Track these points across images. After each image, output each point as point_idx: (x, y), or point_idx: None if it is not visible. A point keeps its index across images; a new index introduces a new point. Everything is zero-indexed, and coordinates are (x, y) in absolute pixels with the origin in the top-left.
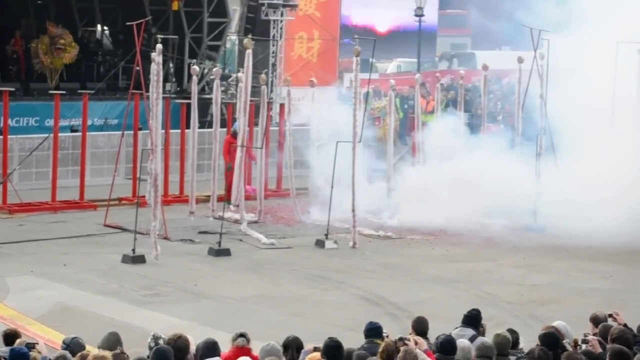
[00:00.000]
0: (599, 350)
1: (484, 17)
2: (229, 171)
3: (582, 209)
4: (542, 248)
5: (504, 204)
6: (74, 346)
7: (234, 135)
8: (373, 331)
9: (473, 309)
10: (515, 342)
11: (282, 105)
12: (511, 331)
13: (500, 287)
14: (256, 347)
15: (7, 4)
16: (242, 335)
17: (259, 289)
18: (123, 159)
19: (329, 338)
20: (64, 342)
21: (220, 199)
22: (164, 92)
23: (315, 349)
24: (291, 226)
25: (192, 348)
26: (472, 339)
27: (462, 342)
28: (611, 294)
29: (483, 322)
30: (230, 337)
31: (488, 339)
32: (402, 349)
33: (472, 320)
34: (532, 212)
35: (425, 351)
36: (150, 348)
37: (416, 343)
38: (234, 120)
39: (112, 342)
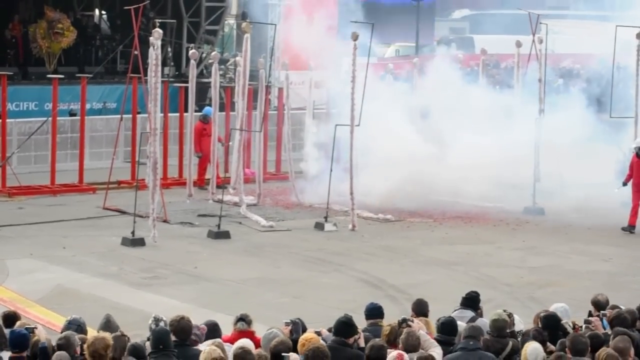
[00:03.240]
0: (602, 330)
1: None
2: (199, 159)
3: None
4: (541, 231)
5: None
6: (82, 325)
7: (204, 120)
8: (374, 311)
9: (472, 291)
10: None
11: (280, 89)
12: (507, 313)
13: (499, 269)
14: (257, 330)
15: None
16: (242, 319)
17: (258, 272)
18: (122, 143)
19: (344, 314)
20: (69, 322)
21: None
22: (162, 76)
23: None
24: (290, 209)
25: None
26: (471, 321)
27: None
28: (610, 277)
29: (482, 304)
30: (229, 319)
31: (487, 321)
32: (404, 330)
33: (471, 302)
34: (531, 195)
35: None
36: (151, 330)
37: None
38: (207, 104)
39: (107, 326)
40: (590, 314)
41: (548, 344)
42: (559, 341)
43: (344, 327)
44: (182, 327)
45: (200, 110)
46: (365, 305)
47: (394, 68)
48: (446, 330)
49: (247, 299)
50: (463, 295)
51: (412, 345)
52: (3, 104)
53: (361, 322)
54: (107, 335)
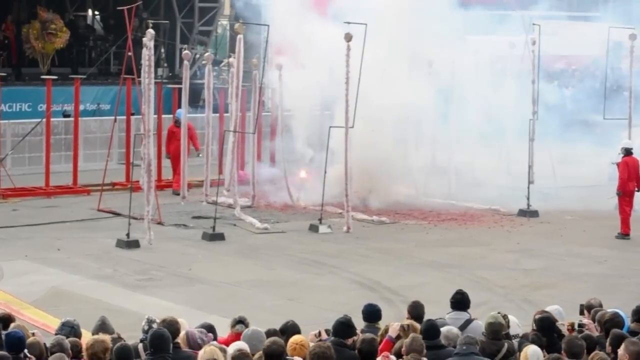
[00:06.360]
0: (596, 333)
1: None
2: (169, 160)
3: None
4: (536, 233)
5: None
6: (76, 328)
7: (177, 124)
8: (374, 314)
9: (457, 293)
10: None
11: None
12: (502, 315)
13: (494, 271)
14: None
15: None
16: (240, 321)
17: (253, 274)
18: (116, 144)
19: (344, 315)
20: (63, 324)
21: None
22: (155, 77)
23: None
24: (284, 211)
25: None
26: (466, 323)
27: (451, 330)
28: (604, 279)
29: (476, 307)
30: (224, 321)
31: (482, 323)
32: (410, 335)
33: (461, 303)
34: (526, 197)
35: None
36: (144, 331)
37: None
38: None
39: (102, 328)
40: (581, 310)
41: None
42: None
43: (343, 327)
44: (166, 328)
45: (195, 112)
46: (364, 306)
47: None
48: (429, 334)
49: (241, 301)
50: (451, 299)
51: (415, 351)
52: None
53: (358, 325)
54: (107, 338)
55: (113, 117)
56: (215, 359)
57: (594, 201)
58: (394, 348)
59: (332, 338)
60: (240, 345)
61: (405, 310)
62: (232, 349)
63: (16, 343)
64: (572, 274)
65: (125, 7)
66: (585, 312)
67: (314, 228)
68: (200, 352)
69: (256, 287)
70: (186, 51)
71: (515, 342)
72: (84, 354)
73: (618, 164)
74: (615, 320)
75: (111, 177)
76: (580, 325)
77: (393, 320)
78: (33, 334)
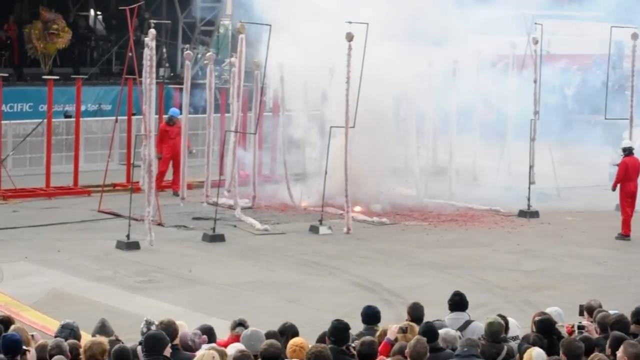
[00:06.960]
0: (596, 335)
1: None
2: (159, 160)
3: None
4: (536, 234)
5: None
6: (76, 330)
7: (169, 122)
8: (375, 316)
9: (455, 294)
10: (505, 328)
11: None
12: (501, 317)
13: (494, 273)
14: None
15: None
16: (240, 324)
17: (253, 275)
18: (117, 145)
19: (337, 320)
20: (62, 327)
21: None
22: (157, 77)
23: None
24: (285, 212)
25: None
26: (466, 324)
27: (448, 332)
28: (605, 280)
29: (477, 308)
30: (224, 323)
31: (481, 325)
32: (415, 338)
33: (460, 304)
34: (526, 198)
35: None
36: (143, 333)
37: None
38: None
39: (102, 330)
40: (581, 311)
41: None
42: None
43: (338, 332)
44: (163, 329)
45: (196, 112)
46: (363, 308)
47: None
48: (427, 337)
49: (241, 303)
50: (449, 301)
51: (419, 353)
52: None
53: (357, 326)
54: (104, 340)
55: (114, 118)
56: None
57: (594, 202)
58: (392, 350)
59: (331, 345)
60: (240, 346)
61: (405, 311)
62: (232, 350)
63: (12, 345)
64: (573, 275)
65: (127, 7)
66: (585, 313)
67: (314, 229)
68: (197, 354)
69: (256, 288)
70: (188, 51)
71: (514, 344)
72: (82, 356)
73: (619, 164)
74: (622, 322)
75: (112, 178)
76: (580, 327)
77: (393, 322)
78: (32, 336)
